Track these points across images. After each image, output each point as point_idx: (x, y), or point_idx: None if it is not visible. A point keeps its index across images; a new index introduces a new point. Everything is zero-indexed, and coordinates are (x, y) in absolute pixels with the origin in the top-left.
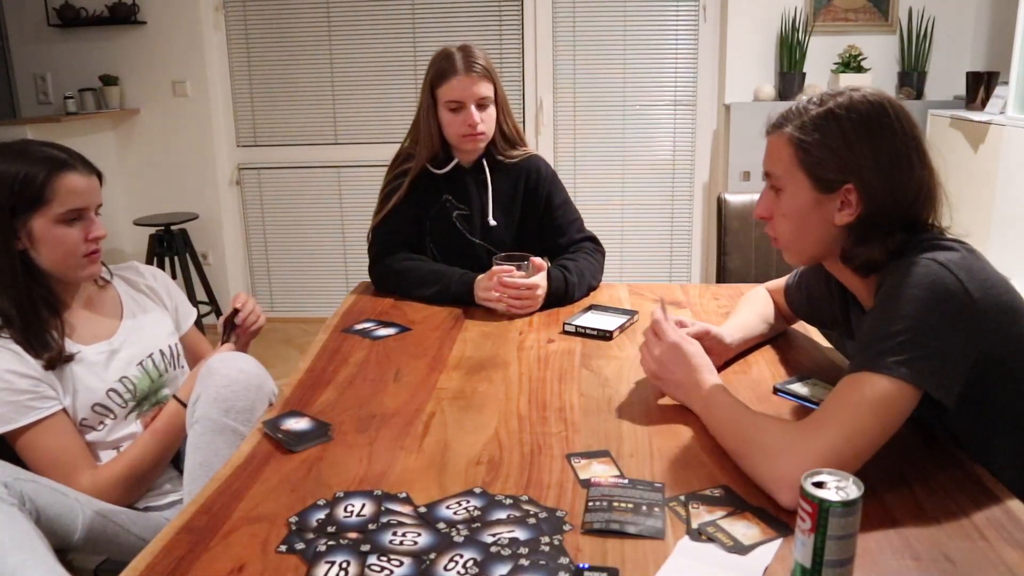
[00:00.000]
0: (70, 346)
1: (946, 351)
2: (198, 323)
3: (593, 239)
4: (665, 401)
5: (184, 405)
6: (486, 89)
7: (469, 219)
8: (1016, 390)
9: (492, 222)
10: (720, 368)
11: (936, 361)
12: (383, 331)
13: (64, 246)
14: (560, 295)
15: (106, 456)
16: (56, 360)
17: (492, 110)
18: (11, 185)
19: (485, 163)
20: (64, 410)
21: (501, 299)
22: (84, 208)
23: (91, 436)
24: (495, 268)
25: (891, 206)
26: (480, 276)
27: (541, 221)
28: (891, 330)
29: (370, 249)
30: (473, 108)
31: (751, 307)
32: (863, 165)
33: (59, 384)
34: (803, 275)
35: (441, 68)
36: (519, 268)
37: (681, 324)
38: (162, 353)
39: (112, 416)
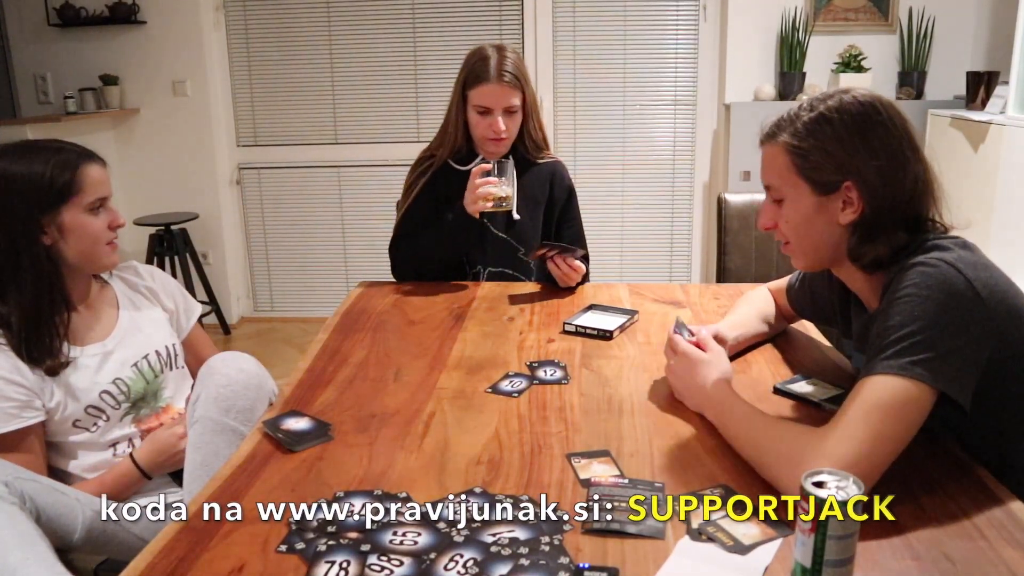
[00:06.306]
0: (68, 349)
1: (960, 351)
2: (200, 322)
3: (585, 257)
4: (669, 412)
5: (137, 467)
6: (515, 98)
7: (493, 214)
8: None
9: (516, 216)
10: None
11: (952, 361)
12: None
13: (92, 234)
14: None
15: (98, 456)
16: (56, 368)
17: (518, 116)
18: (40, 181)
19: (512, 160)
20: (43, 423)
21: (483, 195)
22: (106, 197)
23: (84, 436)
24: (475, 172)
25: (891, 200)
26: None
27: (555, 227)
28: (904, 332)
29: (390, 245)
30: (500, 116)
31: (750, 305)
32: (859, 162)
33: (51, 388)
34: (806, 273)
35: (475, 71)
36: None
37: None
38: (158, 354)
39: (105, 417)
